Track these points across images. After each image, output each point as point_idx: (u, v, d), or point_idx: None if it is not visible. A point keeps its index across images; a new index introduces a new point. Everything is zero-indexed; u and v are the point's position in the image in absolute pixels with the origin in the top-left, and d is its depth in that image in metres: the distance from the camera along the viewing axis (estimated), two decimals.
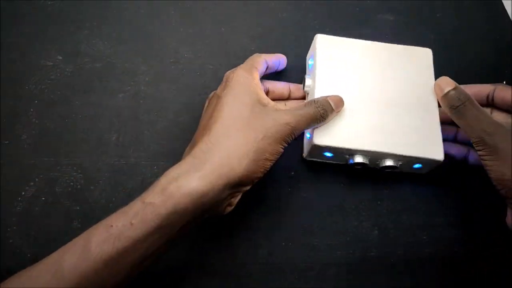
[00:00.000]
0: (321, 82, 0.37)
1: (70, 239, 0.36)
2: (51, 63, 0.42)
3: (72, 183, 0.38)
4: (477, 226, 0.40)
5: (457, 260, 0.39)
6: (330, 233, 0.38)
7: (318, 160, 0.39)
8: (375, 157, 0.36)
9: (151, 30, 0.45)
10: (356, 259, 0.38)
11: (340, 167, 0.39)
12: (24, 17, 0.44)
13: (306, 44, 0.45)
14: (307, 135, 0.38)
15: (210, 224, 0.38)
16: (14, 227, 0.36)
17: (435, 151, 0.35)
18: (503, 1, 0.49)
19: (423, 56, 0.40)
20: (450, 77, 0.45)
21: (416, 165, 0.37)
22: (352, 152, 0.36)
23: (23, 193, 0.37)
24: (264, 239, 0.38)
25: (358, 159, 0.36)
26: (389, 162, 0.36)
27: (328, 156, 0.38)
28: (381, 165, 0.36)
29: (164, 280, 0.36)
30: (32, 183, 0.38)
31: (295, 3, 0.47)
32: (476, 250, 0.39)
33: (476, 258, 0.39)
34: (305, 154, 0.39)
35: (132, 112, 0.41)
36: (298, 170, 0.40)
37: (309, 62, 0.40)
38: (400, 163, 0.36)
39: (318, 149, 0.36)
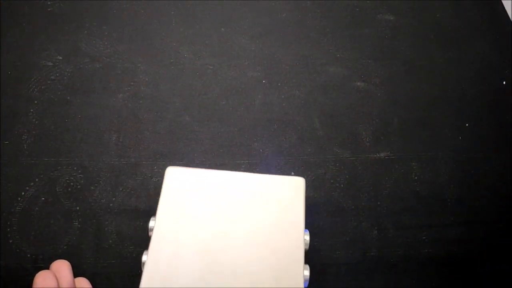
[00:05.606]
0: (161, 223, 0.31)
1: (70, 239, 0.36)
2: (51, 63, 0.42)
3: (72, 183, 0.38)
4: (477, 226, 0.40)
5: (457, 260, 0.39)
6: (330, 233, 0.38)
7: None
8: None
9: (151, 30, 0.45)
10: (356, 259, 0.38)
11: None
12: (24, 17, 0.44)
13: (306, 45, 0.45)
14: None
15: None
16: (14, 227, 0.36)
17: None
18: (503, 1, 0.49)
19: (294, 186, 0.34)
20: (449, 77, 0.45)
21: None
22: None
23: (23, 193, 0.37)
24: None
25: None
26: None
27: None
28: None
29: None
30: (32, 183, 0.38)
31: (295, 3, 0.47)
32: (476, 250, 0.39)
33: (476, 258, 0.39)
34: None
35: (132, 112, 0.41)
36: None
37: None
38: None
39: None
